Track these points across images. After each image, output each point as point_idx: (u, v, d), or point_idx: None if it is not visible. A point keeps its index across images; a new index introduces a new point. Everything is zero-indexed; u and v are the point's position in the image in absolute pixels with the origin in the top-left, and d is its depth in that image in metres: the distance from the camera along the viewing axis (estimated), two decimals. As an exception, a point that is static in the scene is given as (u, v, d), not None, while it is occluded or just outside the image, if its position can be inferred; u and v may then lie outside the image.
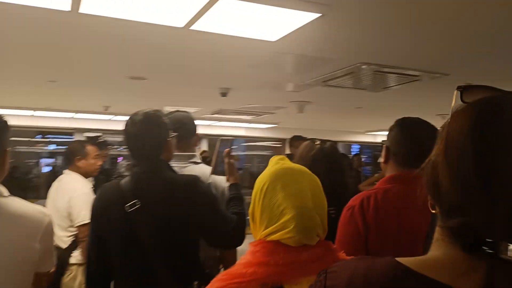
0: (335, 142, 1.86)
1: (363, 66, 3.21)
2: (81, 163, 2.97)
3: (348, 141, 9.43)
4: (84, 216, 2.68)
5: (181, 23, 2.27)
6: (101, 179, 3.37)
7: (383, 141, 1.54)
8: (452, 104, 0.65)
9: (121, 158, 9.67)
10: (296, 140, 4.37)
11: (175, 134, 1.76)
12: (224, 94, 4.31)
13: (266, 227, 0.99)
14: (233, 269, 0.96)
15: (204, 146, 7.25)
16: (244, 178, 8.18)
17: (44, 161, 10.58)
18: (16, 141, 8.65)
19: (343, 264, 0.69)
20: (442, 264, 0.61)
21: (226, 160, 1.80)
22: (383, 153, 1.51)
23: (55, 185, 2.97)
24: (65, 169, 3.02)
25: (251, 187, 1.89)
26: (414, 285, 0.60)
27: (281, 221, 0.96)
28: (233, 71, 3.51)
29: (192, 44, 2.71)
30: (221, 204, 1.73)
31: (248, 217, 1.09)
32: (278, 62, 3.16)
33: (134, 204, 1.55)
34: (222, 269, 2.14)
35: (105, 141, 3.42)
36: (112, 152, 8.26)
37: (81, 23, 2.32)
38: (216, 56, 3.02)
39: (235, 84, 4.05)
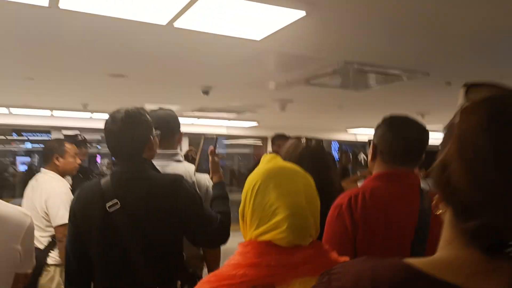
0: (321, 140, 1.86)
1: (346, 65, 3.22)
2: (59, 162, 2.89)
3: (328, 139, 9.49)
4: (62, 216, 2.62)
5: (164, 21, 2.23)
6: (79, 178, 3.29)
7: (370, 139, 1.54)
8: (459, 102, 0.64)
9: (100, 156, 9.53)
10: (278, 138, 4.36)
11: (158, 132, 1.73)
12: (206, 92, 4.27)
13: (257, 227, 0.96)
14: (221, 271, 0.93)
15: (184, 144, 7.19)
16: (224, 176, 8.13)
17: (20, 159, 10.34)
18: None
19: (347, 266, 0.67)
20: (456, 265, 0.59)
21: (210, 158, 1.77)
22: (370, 151, 1.51)
23: (31, 184, 2.89)
24: (43, 167, 2.95)
25: (231, 185, 1.86)
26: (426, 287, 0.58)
27: (274, 221, 0.94)
28: (216, 70, 3.47)
29: (175, 41, 2.67)
30: (205, 203, 1.71)
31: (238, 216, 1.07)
32: (262, 61, 3.14)
33: (115, 204, 1.52)
34: (205, 268, 2.12)
35: (84, 139, 3.34)
36: (91, 150, 8.12)
37: (60, 19, 2.26)
38: (199, 54, 2.98)
39: (218, 82, 4.02)
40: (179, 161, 2.05)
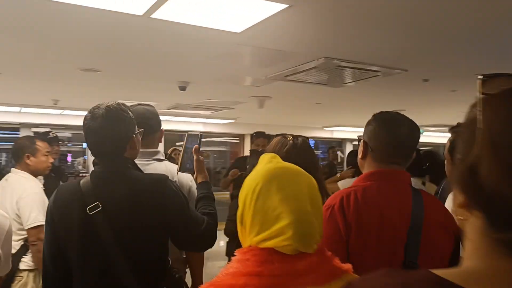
0: (307, 138, 1.81)
1: (326, 61, 3.20)
2: (31, 161, 2.76)
3: (305, 136, 9.48)
4: (35, 218, 2.49)
5: (140, 11, 2.14)
6: (52, 177, 3.15)
7: (359, 136, 1.49)
8: (478, 94, 0.59)
9: (71, 155, 9.25)
10: (258, 136, 4.31)
11: (141, 130, 1.64)
12: (183, 88, 4.18)
13: (258, 233, 0.89)
14: (219, 280, 0.86)
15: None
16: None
17: (-14, 158, 9.94)
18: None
19: (369, 282, 0.60)
20: (492, 277, 0.54)
21: (195, 157, 1.70)
22: (360, 149, 1.46)
23: (1, 184, 2.74)
24: (13, 167, 2.80)
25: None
26: None
27: (277, 226, 0.87)
28: (194, 64, 3.39)
29: (152, 34, 2.57)
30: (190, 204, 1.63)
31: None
32: (241, 55, 3.08)
33: (95, 207, 1.43)
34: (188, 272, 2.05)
35: (56, 137, 3.19)
36: (61, 148, 7.87)
37: (28, 10, 2.13)
38: (177, 47, 2.89)
39: (195, 77, 3.93)
40: (160, 160, 1.96)
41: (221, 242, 4.11)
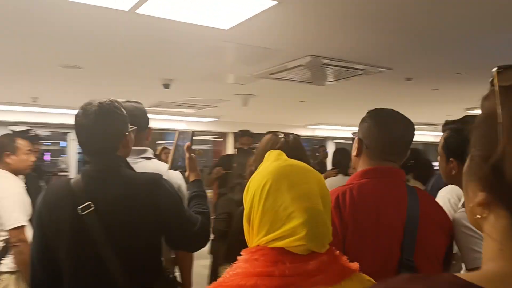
0: (298, 135, 1.80)
1: (311, 59, 3.20)
2: (11, 160, 2.67)
3: (296, 134, 9.47)
4: (16, 218, 2.41)
5: (126, 6, 2.09)
6: (33, 177, 3.06)
7: (353, 133, 1.49)
8: (495, 86, 0.57)
9: (49, 154, 9.05)
10: (244, 135, 4.28)
11: (134, 127, 1.59)
12: (166, 86, 4.12)
13: (268, 233, 0.86)
14: (227, 280, 0.84)
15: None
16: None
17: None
18: None
19: None
20: None
21: (187, 154, 1.67)
22: (355, 146, 1.45)
23: (-20, 184, 2.64)
24: (-8, 166, 2.70)
25: (187, 182, 1.73)
26: None
27: (289, 226, 0.84)
28: (179, 61, 3.34)
29: (137, 30, 2.52)
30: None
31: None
32: (228, 52, 3.05)
33: (87, 207, 1.38)
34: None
35: (36, 135, 3.10)
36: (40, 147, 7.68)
37: (5, 2, 2.06)
38: (163, 44, 2.85)
39: (180, 75, 3.88)
40: (148, 158, 1.92)
41: (206, 240, 4.04)
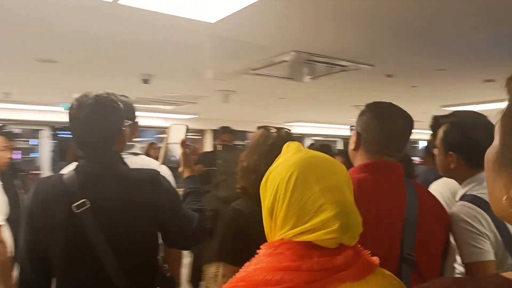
0: (289, 130, 1.76)
1: (295, 55, 3.18)
2: (-15, 156, 2.55)
3: (287, 128, 9.53)
4: (-7, 217, 2.30)
5: (108, -5, 2.01)
6: (8, 174, 2.93)
7: (352, 126, 1.46)
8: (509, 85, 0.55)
9: (20, 152, 8.75)
10: (225, 131, 4.23)
11: (130, 122, 1.52)
12: (146, 81, 4.03)
13: (294, 226, 0.82)
14: (249, 275, 0.79)
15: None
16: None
17: None
18: None
19: None
20: None
21: (181, 150, 1.62)
22: (353, 140, 1.42)
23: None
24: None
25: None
26: None
27: (319, 219, 0.81)
28: (161, 55, 3.26)
29: (118, 22, 2.44)
30: None
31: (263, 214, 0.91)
32: (212, 46, 2.99)
33: (83, 204, 1.32)
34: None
35: (11, 131, 2.98)
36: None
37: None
38: (145, 37, 2.76)
39: (160, 70, 3.80)
40: (136, 154, 1.86)
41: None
